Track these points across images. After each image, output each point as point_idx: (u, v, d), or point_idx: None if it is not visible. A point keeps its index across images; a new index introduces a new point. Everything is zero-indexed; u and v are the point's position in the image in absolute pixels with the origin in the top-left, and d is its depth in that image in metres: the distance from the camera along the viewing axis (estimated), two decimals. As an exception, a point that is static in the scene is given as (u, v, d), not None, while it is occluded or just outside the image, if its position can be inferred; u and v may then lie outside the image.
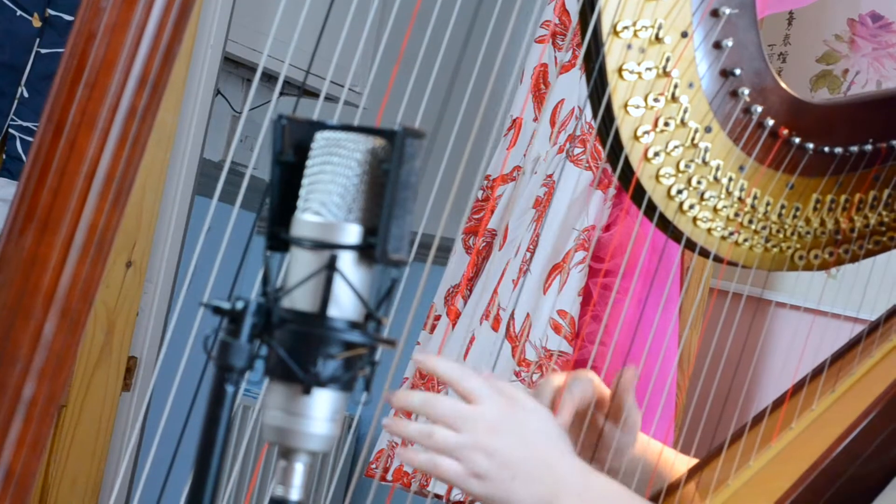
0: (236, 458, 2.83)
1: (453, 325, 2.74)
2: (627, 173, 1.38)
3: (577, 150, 2.68)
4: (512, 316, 2.62)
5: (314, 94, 3.25)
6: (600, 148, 2.59)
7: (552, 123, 2.77)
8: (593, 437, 1.41)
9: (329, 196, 0.86)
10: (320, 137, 0.89)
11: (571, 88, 2.75)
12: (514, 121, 2.88)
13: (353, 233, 0.87)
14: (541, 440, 1.20)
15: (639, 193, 1.39)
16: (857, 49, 2.95)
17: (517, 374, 2.58)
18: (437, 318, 2.81)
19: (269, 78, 3.40)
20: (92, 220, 0.93)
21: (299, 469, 0.87)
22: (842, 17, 2.97)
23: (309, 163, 0.89)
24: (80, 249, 0.93)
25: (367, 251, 0.87)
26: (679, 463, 1.49)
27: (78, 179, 0.93)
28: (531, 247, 2.64)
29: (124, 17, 0.94)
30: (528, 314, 2.61)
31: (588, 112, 2.65)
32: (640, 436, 1.45)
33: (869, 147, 1.45)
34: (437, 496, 2.54)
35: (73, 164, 0.93)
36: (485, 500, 1.19)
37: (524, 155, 2.82)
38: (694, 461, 1.48)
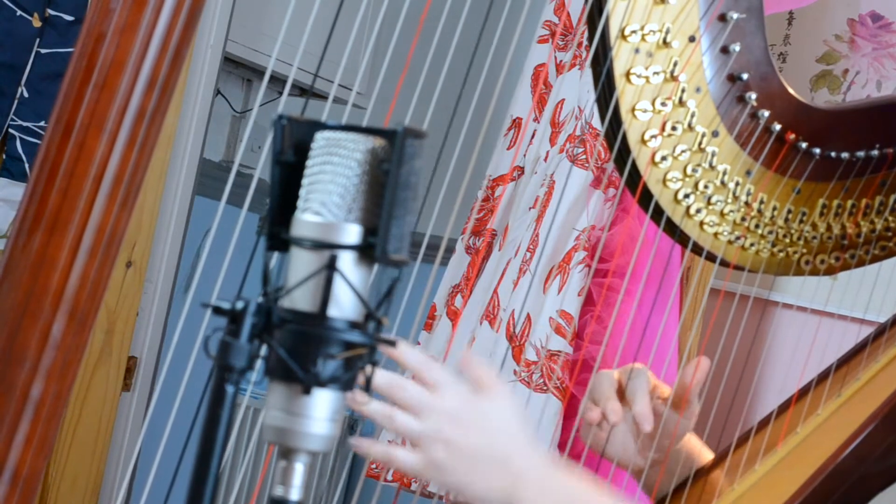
0: (237, 459, 2.83)
1: (453, 326, 2.74)
2: (635, 177, 1.38)
3: (577, 150, 2.68)
4: (512, 316, 2.62)
5: (320, 96, 3.25)
6: (600, 148, 2.61)
7: (552, 123, 2.77)
8: (655, 423, 1.41)
9: (329, 196, 0.86)
10: (320, 137, 0.88)
11: (572, 88, 2.75)
12: (514, 121, 2.88)
13: (353, 233, 0.86)
14: (502, 433, 1.17)
15: (646, 197, 1.39)
16: (857, 49, 2.96)
17: (517, 375, 2.58)
18: (438, 318, 2.81)
19: (272, 79, 3.39)
20: (100, 222, 0.93)
21: (299, 469, 0.87)
22: (842, 17, 2.97)
23: (309, 163, 0.88)
24: (89, 250, 0.93)
25: (367, 251, 0.86)
26: (705, 453, 1.50)
27: (86, 181, 0.93)
28: (531, 247, 2.64)
29: (134, 18, 0.93)
30: (528, 314, 2.61)
31: (588, 112, 2.66)
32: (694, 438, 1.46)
33: (875, 152, 1.45)
34: (438, 496, 2.54)
35: (81, 165, 0.93)
36: (445, 489, 1.17)
37: (524, 155, 2.82)
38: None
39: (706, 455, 1.49)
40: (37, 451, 0.92)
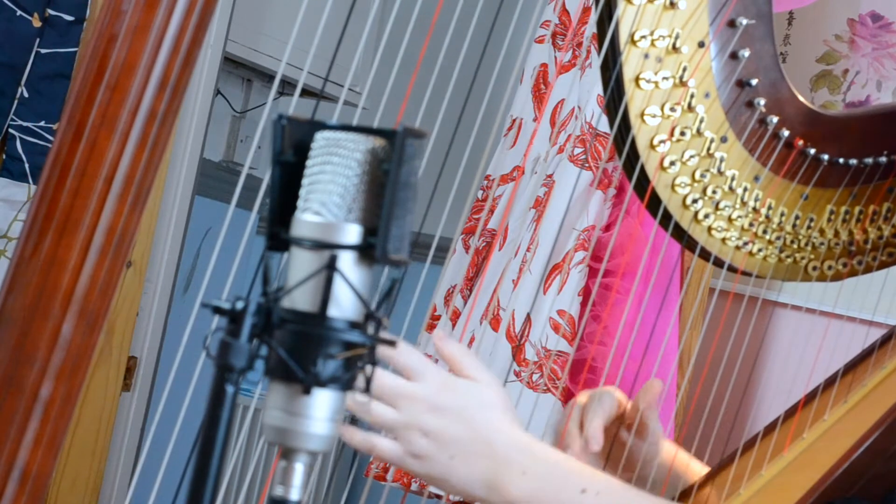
0: (238, 459, 2.83)
1: (453, 325, 2.74)
2: (643, 182, 1.38)
3: (577, 150, 2.68)
4: (512, 316, 2.62)
5: (314, 95, 3.25)
6: (600, 148, 2.62)
7: (552, 123, 2.77)
8: (619, 451, 1.40)
9: (329, 196, 0.86)
10: (320, 137, 0.88)
11: (571, 88, 2.75)
12: (514, 121, 2.88)
13: (353, 233, 0.86)
14: (481, 417, 1.14)
15: (654, 202, 1.39)
16: (857, 49, 2.96)
17: (517, 374, 2.58)
18: (437, 317, 2.81)
19: (270, 78, 3.40)
20: (111, 222, 0.93)
21: (299, 469, 0.87)
22: (842, 17, 2.98)
23: (309, 163, 0.88)
24: (99, 251, 0.93)
25: (367, 251, 0.86)
26: (693, 466, 1.49)
27: (97, 181, 0.93)
28: (531, 247, 2.64)
29: (145, 19, 0.93)
30: (527, 314, 2.61)
31: (588, 112, 2.66)
32: (667, 444, 1.45)
33: (884, 159, 1.45)
34: (437, 496, 2.54)
35: (92, 166, 0.93)
36: (425, 480, 1.14)
37: (524, 155, 2.82)
38: (706, 468, 1.48)
39: (694, 468, 1.48)
40: (46, 451, 0.92)
